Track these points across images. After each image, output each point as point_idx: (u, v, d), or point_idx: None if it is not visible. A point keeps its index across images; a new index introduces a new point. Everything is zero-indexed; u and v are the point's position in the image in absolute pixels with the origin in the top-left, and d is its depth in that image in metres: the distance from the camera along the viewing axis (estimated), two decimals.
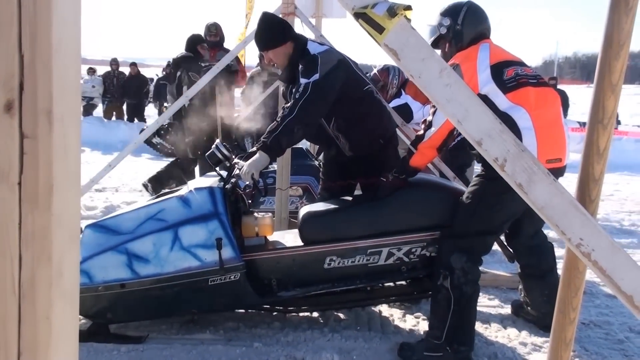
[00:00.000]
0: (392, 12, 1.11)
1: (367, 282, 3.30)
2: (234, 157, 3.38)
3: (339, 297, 3.41)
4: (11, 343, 0.79)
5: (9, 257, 0.78)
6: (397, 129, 4.97)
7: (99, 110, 16.32)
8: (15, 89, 0.75)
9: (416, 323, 3.60)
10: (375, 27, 1.12)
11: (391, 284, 3.47)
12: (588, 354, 3.22)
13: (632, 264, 1.23)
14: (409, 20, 1.14)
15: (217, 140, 3.51)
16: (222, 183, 3.29)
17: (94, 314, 3.24)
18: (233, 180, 3.31)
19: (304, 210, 3.42)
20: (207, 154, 3.46)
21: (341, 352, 3.08)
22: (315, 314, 3.61)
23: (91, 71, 15.74)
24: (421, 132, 3.16)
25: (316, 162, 5.64)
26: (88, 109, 15.34)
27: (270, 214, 3.50)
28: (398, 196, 3.25)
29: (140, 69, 15.91)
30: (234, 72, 6.89)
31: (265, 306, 3.41)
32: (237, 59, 6.96)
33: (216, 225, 3.11)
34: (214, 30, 6.96)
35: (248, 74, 7.84)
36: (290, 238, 3.49)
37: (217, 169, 3.46)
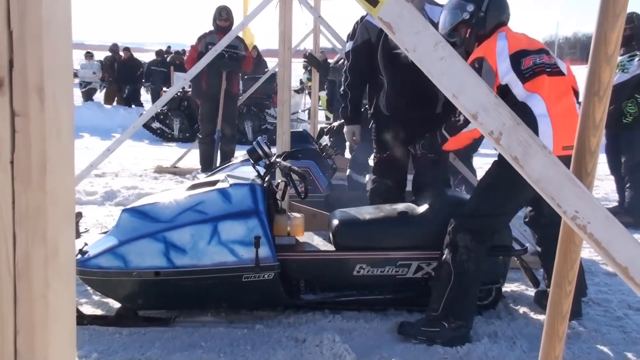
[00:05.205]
0: None
1: (393, 293, 3.34)
2: (274, 154, 3.46)
3: (361, 300, 3.40)
4: (7, 322, 0.78)
5: (2, 236, 0.77)
6: None
7: (98, 96, 16.27)
8: (5, 66, 0.74)
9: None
10: (370, 1, 1.12)
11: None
12: (587, 331, 3.23)
13: (628, 236, 1.23)
14: None
15: (259, 137, 3.54)
16: (260, 180, 3.32)
17: (125, 298, 3.27)
18: (267, 177, 3.37)
19: (338, 214, 3.46)
20: (247, 149, 3.49)
21: (342, 333, 3.10)
22: None
23: (89, 55, 15.61)
24: (461, 121, 3.18)
25: (316, 146, 5.61)
26: (89, 94, 15.23)
27: (302, 215, 3.53)
28: (432, 212, 3.32)
29: (139, 53, 15.86)
30: (240, 57, 6.85)
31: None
32: (244, 45, 6.93)
33: (256, 223, 3.14)
34: (225, 15, 6.88)
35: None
36: (320, 241, 3.51)
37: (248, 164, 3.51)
